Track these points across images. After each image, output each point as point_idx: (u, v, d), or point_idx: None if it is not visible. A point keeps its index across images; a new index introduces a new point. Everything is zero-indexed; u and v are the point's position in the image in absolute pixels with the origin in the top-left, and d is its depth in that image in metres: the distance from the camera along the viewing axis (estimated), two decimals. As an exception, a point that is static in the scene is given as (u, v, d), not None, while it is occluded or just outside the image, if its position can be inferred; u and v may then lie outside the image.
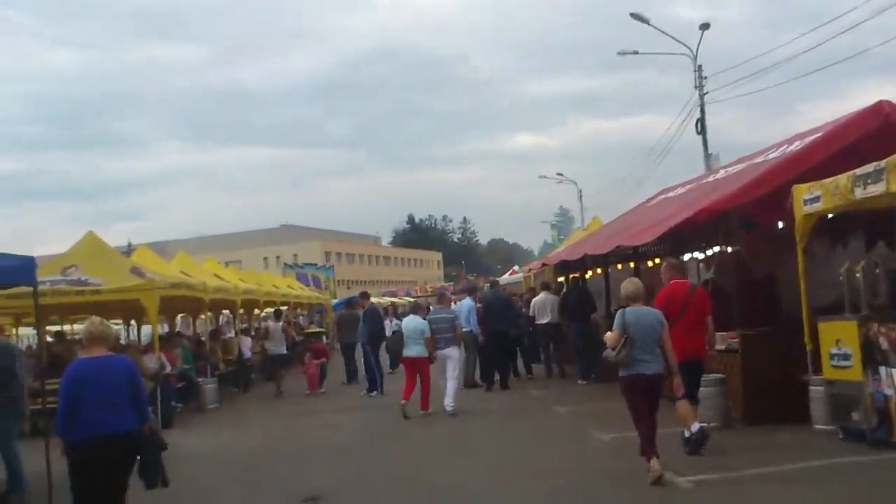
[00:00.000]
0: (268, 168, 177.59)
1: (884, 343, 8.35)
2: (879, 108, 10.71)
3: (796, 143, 11.83)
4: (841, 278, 9.26)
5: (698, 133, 32.00)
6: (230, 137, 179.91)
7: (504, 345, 16.85)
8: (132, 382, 6.59)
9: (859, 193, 8.55)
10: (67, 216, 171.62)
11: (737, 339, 10.86)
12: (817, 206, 9.46)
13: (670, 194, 17.03)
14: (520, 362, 18.38)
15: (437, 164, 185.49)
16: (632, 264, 15.14)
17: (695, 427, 8.90)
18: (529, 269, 24.10)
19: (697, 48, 31.13)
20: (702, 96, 31.99)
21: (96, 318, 6.88)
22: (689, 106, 32.40)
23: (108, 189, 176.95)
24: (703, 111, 32.03)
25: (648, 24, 31.52)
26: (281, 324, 21.10)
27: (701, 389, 10.28)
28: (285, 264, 58.95)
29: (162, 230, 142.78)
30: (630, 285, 8.55)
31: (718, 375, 10.69)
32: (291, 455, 11.09)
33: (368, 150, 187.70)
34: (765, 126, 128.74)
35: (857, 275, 9.00)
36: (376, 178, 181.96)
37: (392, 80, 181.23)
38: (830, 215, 13.65)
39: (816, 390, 9.60)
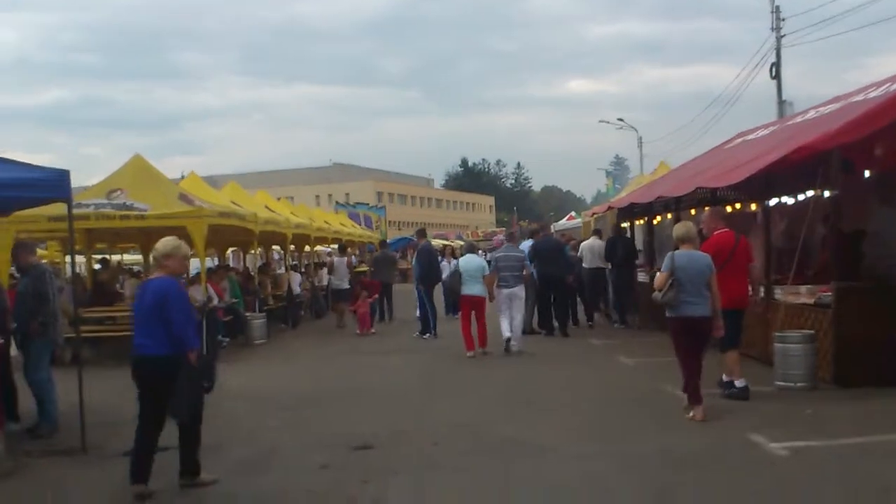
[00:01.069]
0: (322, 106, 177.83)
1: None
2: None
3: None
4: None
5: (773, 78, 30.51)
6: (286, 74, 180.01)
7: (557, 290, 16.20)
8: (160, 306, 6.30)
9: None
10: (122, 148, 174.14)
11: (829, 293, 9.90)
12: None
13: (750, 137, 15.84)
14: (581, 310, 17.70)
15: (492, 108, 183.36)
16: (706, 208, 14.04)
17: (740, 383, 9.13)
18: (593, 213, 23.06)
19: (777, -11, 29.44)
20: (778, 39, 30.35)
21: (167, 238, 6.78)
22: (757, 55, 30.97)
23: (163, 122, 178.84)
24: (778, 55, 30.45)
25: None
26: (346, 259, 21.26)
27: (788, 346, 9.61)
28: (337, 203, 58.45)
29: (216, 165, 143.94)
30: (682, 227, 8.70)
31: (808, 331, 9.77)
32: (340, 397, 10.51)
33: (423, 90, 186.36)
34: (831, 79, 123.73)
35: None
36: (430, 120, 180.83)
37: (448, 18, 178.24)
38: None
39: (921, 352, 8.64)
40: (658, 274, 8.40)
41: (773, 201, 12.01)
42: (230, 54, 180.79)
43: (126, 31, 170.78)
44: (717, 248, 9.21)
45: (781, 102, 29.88)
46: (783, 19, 30.13)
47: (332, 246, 26.30)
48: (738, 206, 13.14)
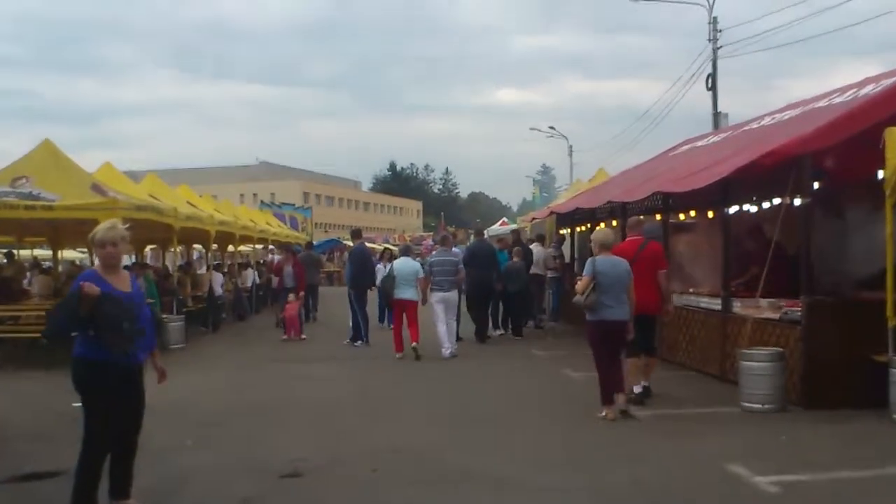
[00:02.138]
0: (250, 105, 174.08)
1: None
2: None
3: (870, 87, 10.15)
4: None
5: (708, 89, 30.33)
6: (215, 71, 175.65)
7: (490, 295, 15.70)
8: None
9: None
10: (40, 140, 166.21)
11: (796, 308, 9.28)
12: (924, 154, 7.80)
13: (699, 143, 15.35)
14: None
15: (422, 113, 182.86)
16: (658, 216, 13.46)
17: (637, 387, 9.33)
18: (533, 219, 22.35)
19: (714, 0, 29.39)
20: (715, 50, 30.26)
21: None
22: (693, 65, 30.96)
23: (87, 116, 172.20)
24: (714, 66, 30.32)
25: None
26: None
27: (754, 364, 8.94)
28: (262, 202, 56.61)
29: (138, 161, 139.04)
30: (602, 234, 9.06)
31: (776, 349, 9.13)
32: (266, 412, 9.39)
33: (352, 93, 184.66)
34: (747, 100, 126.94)
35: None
36: (359, 123, 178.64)
37: (378, 22, 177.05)
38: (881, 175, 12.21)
39: (898, 374, 8.06)
40: (580, 278, 8.64)
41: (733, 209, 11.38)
42: (158, 49, 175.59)
43: (51, 21, 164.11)
44: (619, 254, 9.30)
45: (717, 114, 29.77)
46: (720, 31, 30.10)
47: (270, 245, 25.67)
48: (692, 213, 12.53)
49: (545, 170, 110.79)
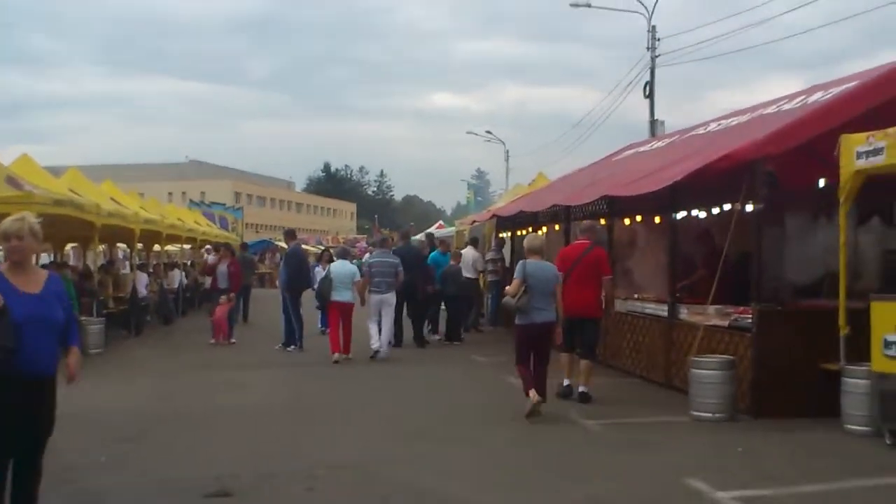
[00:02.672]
0: (183, 102, 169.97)
1: (969, 334, 6.61)
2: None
3: (818, 94, 10.04)
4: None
5: (646, 97, 30.50)
6: (147, 67, 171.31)
7: (415, 299, 15.35)
8: None
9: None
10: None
11: (746, 315, 9.07)
12: (877, 161, 7.66)
13: (643, 148, 15.19)
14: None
15: (358, 115, 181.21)
16: (603, 221, 13.20)
17: (566, 382, 9.75)
18: (473, 221, 21.95)
19: (653, 9, 29.62)
20: (653, 58, 30.45)
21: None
22: (621, 81, 31.15)
23: (7, 108, 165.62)
24: (653, 74, 30.49)
25: (589, 6, 31.26)
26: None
27: (704, 373, 8.71)
28: (191, 201, 54.92)
29: (64, 156, 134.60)
30: (533, 239, 9.29)
31: (727, 357, 8.89)
32: (191, 423, 8.75)
33: (288, 92, 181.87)
34: (680, 109, 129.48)
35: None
36: (295, 123, 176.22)
37: (317, 23, 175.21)
38: (822, 183, 12.22)
39: (854, 384, 7.87)
40: (512, 282, 8.83)
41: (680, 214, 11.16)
42: (88, 42, 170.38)
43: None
44: (563, 257, 9.90)
45: (654, 121, 29.91)
46: (658, 40, 30.30)
47: (207, 246, 24.97)
48: (639, 218, 12.28)
49: (480, 174, 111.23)
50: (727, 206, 10.09)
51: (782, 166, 9.42)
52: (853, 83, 9.53)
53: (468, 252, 17.63)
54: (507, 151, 55.16)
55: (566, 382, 9.83)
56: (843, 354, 8.10)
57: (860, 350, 7.86)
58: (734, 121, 11.89)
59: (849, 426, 7.85)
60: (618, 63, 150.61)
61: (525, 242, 9.22)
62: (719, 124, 12.45)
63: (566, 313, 9.36)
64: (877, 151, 7.61)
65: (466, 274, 16.92)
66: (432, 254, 16.95)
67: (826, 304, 9.09)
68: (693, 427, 8.39)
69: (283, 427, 8.53)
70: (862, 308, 7.97)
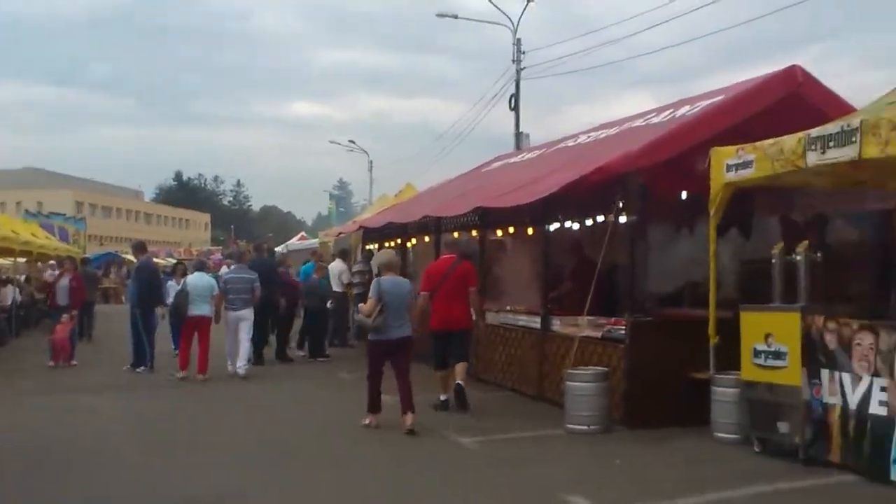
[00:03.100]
0: (19, 106, 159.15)
1: (831, 342, 6.80)
2: (792, 74, 9.31)
3: (686, 108, 10.29)
4: (773, 260, 7.64)
5: (511, 109, 30.92)
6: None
7: (272, 313, 14.81)
8: None
9: (814, 159, 6.95)
10: None
11: (619, 326, 9.10)
12: (746, 174, 7.82)
13: (513, 160, 15.24)
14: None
15: (213, 123, 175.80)
16: (474, 232, 13.10)
17: (443, 396, 9.76)
18: (340, 234, 21.38)
19: (518, 21, 30.06)
20: (518, 71, 30.95)
21: None
22: (486, 93, 31.70)
23: None
24: (518, 87, 30.99)
25: (456, 17, 31.61)
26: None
27: (579, 385, 8.69)
28: (26, 211, 51.15)
29: None
30: (385, 255, 9.36)
31: (601, 369, 8.88)
32: (25, 459, 7.69)
33: (137, 98, 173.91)
34: (541, 123, 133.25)
35: (798, 257, 7.40)
36: (144, 130, 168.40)
37: (171, 26, 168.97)
38: (685, 195, 12.58)
39: (722, 392, 8.01)
40: (368, 300, 8.79)
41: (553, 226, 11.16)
42: None
43: None
44: (431, 271, 10.11)
45: (519, 133, 30.37)
46: (523, 52, 30.81)
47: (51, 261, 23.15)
48: (511, 230, 12.23)
49: (342, 185, 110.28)
50: (599, 218, 10.13)
51: (651, 178, 9.60)
52: (720, 97, 9.80)
53: (336, 265, 17.12)
54: (371, 161, 54.76)
55: (443, 397, 9.79)
56: (712, 364, 8.23)
57: (728, 359, 8.04)
58: (603, 133, 12.05)
59: (718, 434, 7.98)
60: (481, 75, 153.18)
61: (377, 259, 9.18)
62: (589, 136, 12.60)
63: (442, 326, 9.72)
64: (746, 164, 7.77)
65: (335, 287, 16.45)
66: (304, 266, 16.37)
67: (696, 314, 9.28)
68: (569, 440, 8.32)
69: (132, 456, 7.77)
70: (726, 317, 8.17)
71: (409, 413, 8.54)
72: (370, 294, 8.78)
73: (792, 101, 9.21)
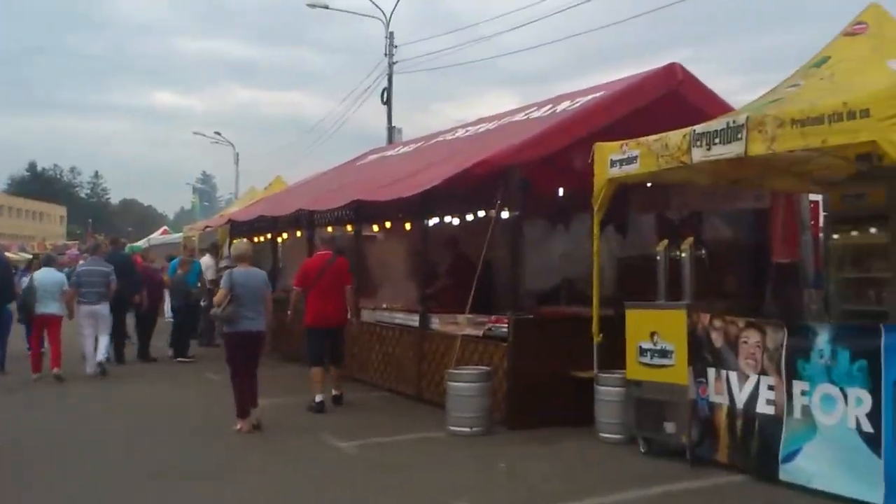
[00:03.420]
0: None
1: (717, 340, 6.76)
2: (672, 72, 9.32)
3: (566, 103, 10.18)
4: (658, 257, 7.56)
5: (384, 103, 30.51)
6: None
7: (124, 309, 13.99)
8: None
9: (699, 156, 6.91)
10: None
11: (501, 324, 8.86)
12: (631, 169, 7.72)
13: (389, 153, 14.83)
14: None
15: (69, 111, 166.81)
16: (349, 227, 12.63)
17: (318, 398, 9.51)
18: (206, 227, 20.31)
19: (391, 14, 29.69)
20: (391, 64, 30.57)
21: None
22: (357, 87, 31.27)
23: None
24: (390, 81, 30.59)
25: (327, 7, 30.54)
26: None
27: (461, 385, 8.39)
28: None
29: None
30: (240, 246, 9.11)
31: (483, 368, 8.61)
32: None
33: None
34: (410, 119, 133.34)
35: (683, 255, 7.34)
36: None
37: (21, 9, 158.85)
38: (560, 191, 12.56)
39: (606, 392, 7.88)
40: (219, 291, 8.65)
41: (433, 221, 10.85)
42: None
43: None
44: (306, 268, 10.01)
45: (391, 128, 29.99)
46: (396, 46, 30.46)
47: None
48: (387, 225, 11.82)
49: (206, 178, 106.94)
50: (481, 213, 9.88)
51: (529, 174, 9.45)
52: (599, 94, 9.73)
53: (205, 260, 16.29)
54: (238, 154, 53.07)
55: (318, 398, 9.51)
56: (595, 362, 8.10)
57: (610, 357, 7.94)
58: (483, 127, 11.83)
59: (603, 434, 7.85)
60: (351, 70, 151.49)
61: (232, 250, 9.09)
62: (467, 131, 12.36)
63: (318, 323, 9.65)
64: (631, 160, 7.67)
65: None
66: (172, 261, 15.40)
67: (577, 312, 9.22)
68: (452, 443, 8.01)
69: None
70: (608, 315, 8.07)
71: (252, 409, 8.46)
72: (221, 284, 8.62)
73: (671, 99, 9.21)
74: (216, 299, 8.58)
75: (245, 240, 11.26)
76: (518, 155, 8.65)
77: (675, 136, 7.18)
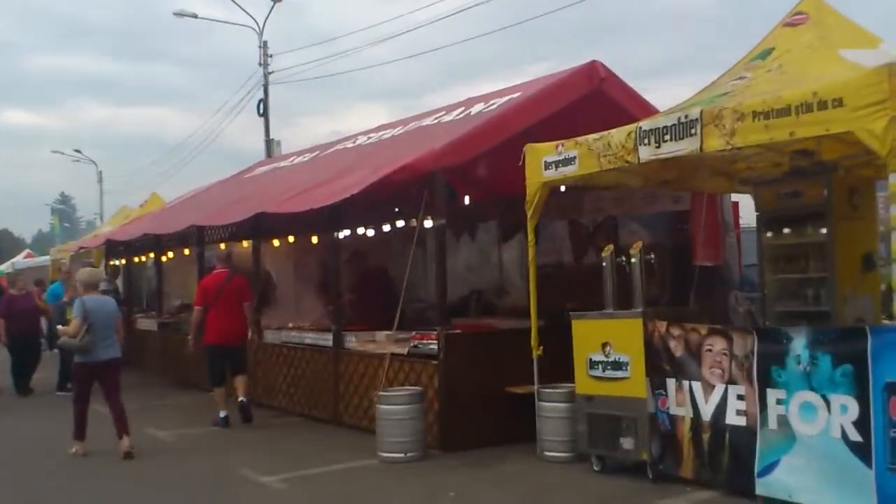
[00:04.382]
0: None
1: (677, 348, 6.38)
2: (593, 70, 8.94)
3: (480, 105, 9.70)
4: (604, 263, 7.13)
5: (260, 115, 29.33)
6: None
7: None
8: None
9: (647, 154, 6.54)
10: None
11: (428, 341, 8.25)
12: (568, 171, 7.27)
13: (283, 164, 13.97)
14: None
15: None
16: (245, 243, 11.71)
17: (223, 413, 9.53)
18: (80, 248, 18.46)
19: (265, 22, 28.59)
20: (266, 75, 29.48)
21: None
22: (228, 101, 30.14)
23: None
24: (266, 92, 29.49)
25: (196, 17, 29.24)
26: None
27: (393, 409, 7.75)
28: None
29: None
30: (86, 274, 8.93)
31: (416, 389, 7.97)
32: None
33: None
34: (275, 133, 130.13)
35: (633, 260, 6.94)
36: None
37: None
38: (467, 200, 12.14)
39: (552, 408, 7.39)
40: (72, 321, 8.42)
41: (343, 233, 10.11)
42: None
43: None
44: (205, 287, 9.92)
45: (269, 140, 28.83)
46: (271, 56, 29.40)
47: None
48: (291, 239, 10.96)
49: (65, 198, 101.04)
50: (399, 224, 9.24)
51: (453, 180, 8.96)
52: (516, 94, 9.29)
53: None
54: (101, 172, 50.14)
55: (223, 414, 9.55)
56: (536, 377, 7.59)
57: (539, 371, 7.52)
58: (387, 133, 11.21)
59: (548, 453, 7.36)
60: (217, 86, 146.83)
61: (79, 277, 8.93)
62: (369, 137, 11.71)
63: (219, 341, 9.62)
64: (567, 161, 7.22)
65: None
66: (52, 287, 13.87)
67: (513, 325, 8.76)
68: (389, 471, 7.34)
69: None
70: (521, 328, 7.74)
71: (125, 437, 8.20)
72: (74, 313, 8.42)
73: (594, 99, 8.87)
74: (70, 329, 8.27)
75: (91, 267, 11.12)
76: (440, 160, 8.06)
77: (619, 135, 6.78)
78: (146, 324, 14.47)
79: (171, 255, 13.98)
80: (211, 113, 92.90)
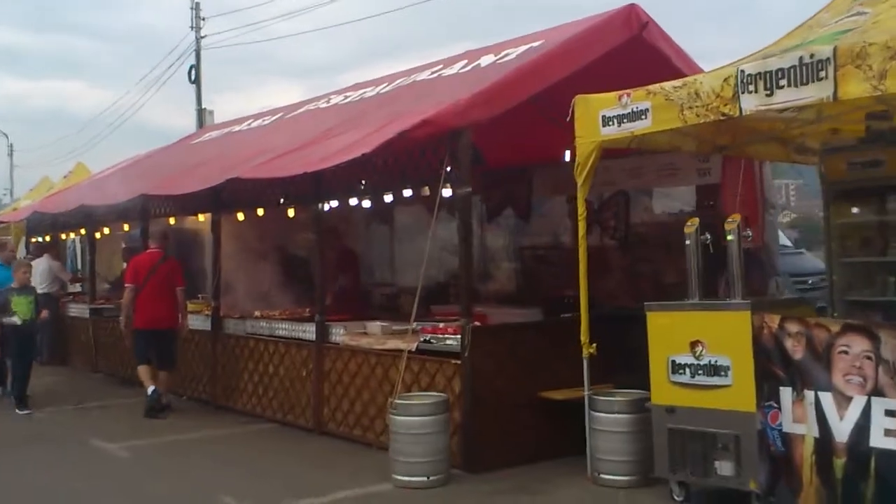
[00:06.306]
0: None
1: (796, 349, 5.03)
2: (634, 13, 7.45)
3: (489, 57, 8.19)
4: (687, 242, 5.74)
5: (192, 82, 27.31)
6: None
7: None
8: None
9: (754, 104, 5.16)
10: None
11: (447, 335, 6.77)
12: (638, 127, 5.84)
13: (239, 128, 12.20)
14: None
15: None
16: (201, 217, 9.99)
17: (150, 389, 9.07)
18: (1, 223, 16.03)
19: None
20: (198, 39, 27.50)
21: None
22: (152, 71, 27.68)
23: None
24: (198, 57, 27.46)
25: None
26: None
27: (413, 420, 6.25)
28: None
29: None
30: None
31: (439, 395, 6.47)
32: None
33: None
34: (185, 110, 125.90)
35: (730, 237, 5.56)
36: None
37: None
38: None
39: (607, 419, 6.02)
40: None
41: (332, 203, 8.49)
42: None
43: None
44: (135, 266, 9.42)
45: (201, 109, 26.79)
46: (203, 19, 27.32)
47: None
48: (260, 212, 9.27)
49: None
50: (406, 193, 7.64)
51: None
52: (538, 42, 7.79)
53: (46, 262, 12.56)
54: (12, 146, 46.91)
55: (151, 389, 9.05)
56: (587, 380, 6.20)
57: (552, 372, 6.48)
58: (370, 91, 9.60)
59: (605, 476, 5.98)
60: (136, 59, 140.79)
61: None
62: (346, 97, 10.11)
63: (147, 325, 9.12)
64: (637, 115, 5.81)
65: (47, 289, 12.05)
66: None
67: (519, 315, 7.69)
68: (408, 500, 5.84)
69: None
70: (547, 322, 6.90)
71: None
72: None
73: (631, 49, 7.44)
74: None
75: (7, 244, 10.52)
76: (470, 113, 6.54)
77: (711, 81, 5.39)
78: (76, 309, 12.49)
79: (107, 230, 12.07)
80: (129, 87, 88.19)
